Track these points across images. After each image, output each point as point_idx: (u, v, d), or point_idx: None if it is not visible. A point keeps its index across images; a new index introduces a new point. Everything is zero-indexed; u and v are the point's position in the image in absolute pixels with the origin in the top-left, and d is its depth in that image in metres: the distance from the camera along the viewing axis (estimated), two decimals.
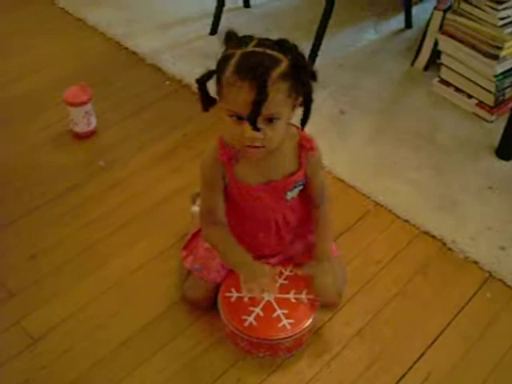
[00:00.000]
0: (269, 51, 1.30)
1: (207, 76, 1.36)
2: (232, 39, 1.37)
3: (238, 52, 1.30)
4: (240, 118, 1.33)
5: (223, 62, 1.32)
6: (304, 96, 1.36)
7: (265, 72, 1.26)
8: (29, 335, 1.59)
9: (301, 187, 1.53)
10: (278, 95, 1.30)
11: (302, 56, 1.33)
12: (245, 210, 1.55)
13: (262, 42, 1.33)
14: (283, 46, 1.32)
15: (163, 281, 1.72)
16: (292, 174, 1.49)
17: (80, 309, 1.65)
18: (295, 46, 1.33)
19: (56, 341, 1.58)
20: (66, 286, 1.70)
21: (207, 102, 1.39)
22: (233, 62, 1.30)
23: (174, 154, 2.13)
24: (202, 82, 1.37)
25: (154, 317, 1.63)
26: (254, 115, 1.28)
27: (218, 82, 1.34)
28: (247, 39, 1.33)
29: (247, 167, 1.47)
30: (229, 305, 1.55)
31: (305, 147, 1.49)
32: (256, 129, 1.30)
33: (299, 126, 1.42)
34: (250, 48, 1.31)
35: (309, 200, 1.60)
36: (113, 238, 1.83)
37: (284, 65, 1.30)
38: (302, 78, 1.32)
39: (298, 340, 1.53)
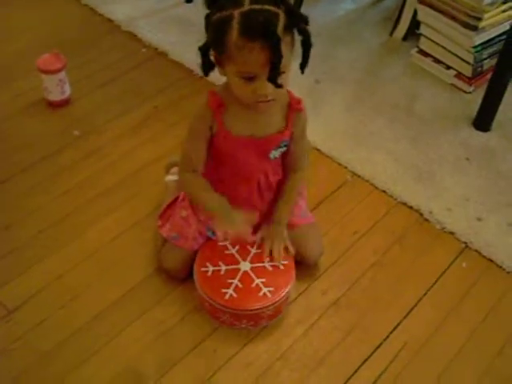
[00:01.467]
0: (266, 6, 1.29)
1: (209, 43, 1.35)
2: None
3: (236, 12, 1.28)
4: (251, 78, 1.33)
5: (222, 25, 1.30)
6: (303, 42, 1.36)
7: (274, 30, 1.27)
8: (4, 306, 1.57)
9: (284, 148, 1.53)
10: (286, 49, 1.31)
11: (293, 4, 1.35)
12: (229, 165, 1.54)
13: None
14: None
15: (140, 251, 1.71)
16: (278, 132, 1.50)
17: (55, 279, 1.63)
18: None
19: (31, 312, 1.56)
20: (41, 257, 1.68)
21: (208, 68, 1.39)
22: (234, 24, 1.28)
23: (148, 124, 2.11)
24: (204, 50, 1.36)
25: (131, 287, 1.62)
26: (274, 75, 1.29)
27: (221, 46, 1.32)
28: None
29: (236, 118, 1.47)
30: (206, 279, 1.54)
31: (293, 107, 1.50)
32: (278, 86, 1.32)
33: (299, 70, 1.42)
34: (246, 7, 1.29)
35: (286, 164, 1.60)
36: (88, 208, 1.82)
37: (282, 17, 1.30)
38: (298, 26, 1.34)
39: (278, 307, 1.54)
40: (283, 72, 1.32)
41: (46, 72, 2.08)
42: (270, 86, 1.33)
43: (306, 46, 1.37)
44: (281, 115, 1.50)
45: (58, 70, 2.08)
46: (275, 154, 1.53)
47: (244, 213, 1.51)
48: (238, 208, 1.53)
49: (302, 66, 1.41)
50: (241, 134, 1.48)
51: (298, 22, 1.33)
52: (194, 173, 1.54)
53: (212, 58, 1.37)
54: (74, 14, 2.61)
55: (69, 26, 2.54)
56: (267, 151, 1.51)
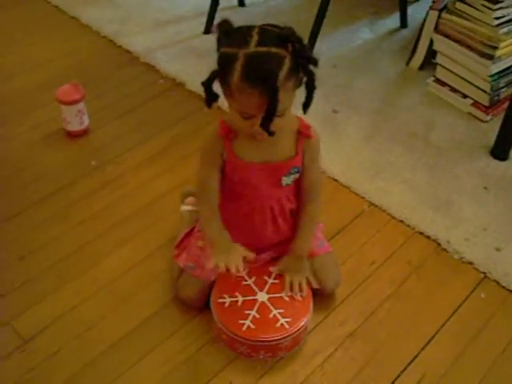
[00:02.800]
0: (273, 49, 1.29)
1: (212, 78, 1.36)
2: (229, 33, 1.35)
3: (241, 53, 1.29)
4: (249, 117, 1.34)
5: (227, 63, 1.31)
6: (307, 83, 1.36)
7: (274, 77, 1.27)
8: (19, 336, 1.57)
9: (296, 175, 1.52)
10: (286, 94, 1.31)
11: (303, 44, 1.32)
12: (241, 193, 1.54)
13: (263, 39, 1.30)
14: (284, 38, 1.30)
15: (155, 281, 1.70)
16: (288, 159, 1.50)
17: (70, 310, 1.63)
18: (295, 35, 1.32)
19: (46, 342, 1.56)
20: (56, 287, 1.68)
21: (211, 100, 1.40)
22: (238, 65, 1.29)
23: (165, 154, 2.12)
24: (208, 84, 1.37)
25: (146, 318, 1.62)
26: (267, 122, 1.30)
27: (225, 84, 1.34)
28: (247, 35, 1.31)
29: (246, 145, 1.47)
30: (223, 311, 1.53)
31: (303, 133, 1.49)
32: (270, 134, 1.33)
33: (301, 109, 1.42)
34: (252, 48, 1.29)
35: (301, 193, 1.59)
36: (104, 239, 1.82)
37: (288, 61, 1.30)
38: (304, 69, 1.33)
39: (296, 338, 1.52)
40: (282, 115, 1.34)
41: (65, 103, 2.10)
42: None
43: (310, 87, 1.37)
44: (291, 142, 1.49)
45: (77, 101, 2.11)
46: (287, 180, 1.52)
47: (242, 248, 1.51)
48: (257, 249, 1.56)
49: (305, 107, 1.41)
50: (250, 160, 1.48)
51: (303, 65, 1.32)
52: (209, 206, 1.55)
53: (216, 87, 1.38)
54: (93, 45, 2.65)
55: (88, 58, 2.58)
56: (278, 178, 1.51)
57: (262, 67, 1.28)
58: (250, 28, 1.33)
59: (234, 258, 1.47)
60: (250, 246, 1.55)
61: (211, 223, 1.54)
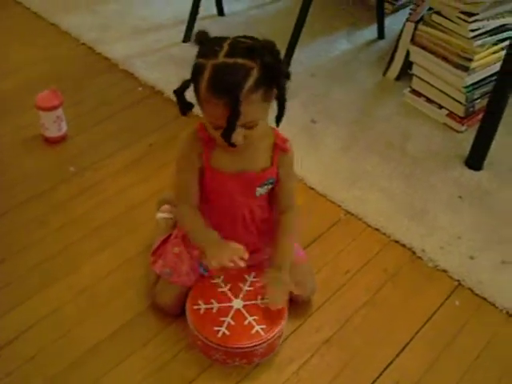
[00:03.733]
0: (240, 60, 1.30)
1: (184, 87, 1.38)
2: (203, 43, 1.37)
3: (209, 64, 1.30)
4: (218, 127, 1.35)
5: (196, 74, 1.33)
6: (278, 95, 1.37)
7: (236, 89, 1.28)
8: None
9: (270, 186, 1.54)
10: (253, 106, 1.32)
11: (276, 58, 1.33)
12: (214, 200, 1.55)
13: (233, 50, 1.32)
14: (253, 50, 1.31)
15: (132, 288, 1.70)
16: (263, 171, 1.51)
17: (49, 314, 1.63)
18: (267, 47, 1.33)
19: (22, 347, 1.55)
20: (34, 292, 1.68)
21: (185, 108, 1.41)
22: (205, 76, 1.31)
23: (143, 161, 2.12)
24: (179, 93, 1.39)
25: (122, 324, 1.62)
26: (228, 133, 1.31)
27: (195, 92, 1.36)
28: (217, 46, 1.33)
29: (222, 154, 1.48)
30: (198, 317, 1.54)
31: (279, 146, 1.50)
32: (232, 145, 1.35)
33: (274, 122, 1.44)
34: (220, 59, 1.31)
35: (275, 204, 1.60)
36: (82, 244, 1.82)
37: (255, 72, 1.31)
38: (274, 81, 1.34)
39: (271, 345, 1.53)
40: (255, 125, 1.35)
41: (44, 109, 2.10)
42: (238, 135, 1.34)
43: (281, 100, 1.38)
44: (266, 154, 1.51)
45: (56, 107, 2.10)
46: (261, 191, 1.53)
47: (234, 244, 1.49)
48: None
49: (278, 120, 1.42)
50: (226, 170, 1.49)
51: (272, 76, 1.33)
52: (189, 205, 1.55)
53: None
54: (73, 52, 2.64)
55: (66, 64, 2.57)
56: (252, 188, 1.52)
57: (226, 78, 1.29)
58: (223, 39, 1.35)
59: (227, 253, 1.45)
60: None
61: (199, 227, 1.53)
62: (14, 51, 2.62)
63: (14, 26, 2.78)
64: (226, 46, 1.32)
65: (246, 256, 1.46)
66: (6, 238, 1.83)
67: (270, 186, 1.54)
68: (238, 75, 1.29)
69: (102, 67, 2.56)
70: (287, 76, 1.36)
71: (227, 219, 1.57)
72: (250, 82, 1.30)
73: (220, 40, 1.35)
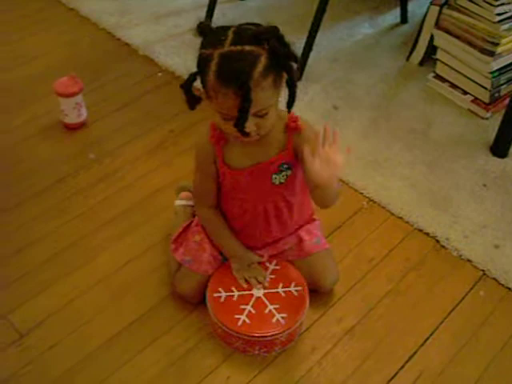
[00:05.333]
0: (247, 47, 1.27)
1: (191, 80, 1.35)
2: (206, 33, 1.33)
3: (216, 53, 1.27)
4: (229, 118, 1.32)
5: (203, 64, 1.30)
6: (288, 80, 1.34)
7: (246, 76, 1.25)
8: (16, 330, 1.56)
9: (288, 172, 1.50)
10: (264, 93, 1.29)
11: (281, 41, 1.30)
12: (233, 196, 1.54)
13: (238, 38, 1.29)
14: (259, 36, 1.28)
15: (152, 276, 1.70)
16: (277, 155, 1.48)
17: (67, 304, 1.63)
18: (272, 32, 1.29)
19: (43, 336, 1.55)
20: (53, 281, 1.68)
21: (193, 102, 1.38)
22: (212, 65, 1.28)
23: (163, 148, 2.11)
24: (187, 87, 1.36)
25: (143, 312, 1.61)
26: (241, 122, 1.28)
27: (203, 83, 1.33)
28: (222, 35, 1.29)
29: (236, 150, 1.47)
30: (219, 305, 1.53)
31: (290, 127, 1.47)
32: (245, 134, 1.32)
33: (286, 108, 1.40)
34: (226, 48, 1.28)
35: (308, 184, 1.50)
36: (101, 232, 1.81)
37: (263, 58, 1.28)
38: (282, 66, 1.31)
39: (291, 334, 1.52)
40: (266, 113, 1.33)
41: (63, 95, 2.09)
42: (250, 124, 1.32)
43: (291, 84, 1.34)
44: (279, 139, 1.47)
45: (75, 94, 2.09)
46: (279, 179, 1.50)
47: (253, 255, 1.59)
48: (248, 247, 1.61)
49: (289, 105, 1.39)
50: (240, 167, 1.48)
51: (280, 62, 1.30)
52: (211, 209, 1.57)
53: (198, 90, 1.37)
54: (93, 37, 2.63)
55: (86, 50, 2.56)
56: (268, 177, 1.49)
57: (235, 66, 1.26)
58: (226, 28, 1.32)
59: (248, 273, 1.57)
60: (242, 240, 1.61)
61: (224, 237, 1.59)
62: (33, 37, 2.62)
63: (33, 11, 2.77)
64: (230, 34, 1.29)
65: (264, 275, 1.59)
66: (24, 227, 1.82)
67: (288, 173, 1.50)
68: (246, 62, 1.26)
69: (122, 53, 2.55)
70: (295, 59, 1.33)
71: (248, 213, 1.56)
72: (260, 68, 1.27)
73: (223, 29, 1.31)
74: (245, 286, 1.56)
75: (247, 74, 1.25)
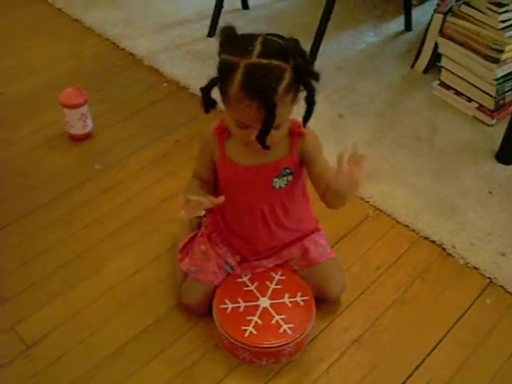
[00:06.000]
0: (274, 62, 1.27)
1: (212, 84, 1.34)
2: (232, 40, 1.33)
3: (242, 63, 1.27)
4: (245, 127, 1.33)
5: (227, 72, 1.30)
6: (306, 98, 1.34)
7: (273, 91, 1.25)
8: (22, 341, 1.56)
9: (289, 177, 1.50)
10: (284, 108, 1.30)
11: (305, 58, 1.31)
12: (232, 193, 1.52)
13: (266, 50, 1.28)
14: (286, 51, 1.29)
15: (158, 287, 1.70)
16: (280, 159, 1.48)
17: (74, 315, 1.63)
18: (297, 48, 1.31)
19: (49, 347, 1.55)
20: (60, 292, 1.68)
21: (209, 106, 1.38)
22: (238, 75, 1.27)
23: (169, 158, 2.11)
24: (206, 91, 1.35)
25: (149, 323, 1.61)
26: (263, 135, 1.29)
27: (223, 91, 1.33)
28: (249, 43, 1.29)
29: (238, 147, 1.47)
30: (225, 317, 1.53)
31: (295, 132, 1.47)
32: (266, 147, 1.32)
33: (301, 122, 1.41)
34: (254, 59, 1.27)
35: (316, 188, 1.52)
36: (107, 243, 1.81)
37: (288, 75, 1.28)
38: (304, 83, 1.32)
39: (298, 344, 1.52)
40: (279, 125, 1.33)
41: (69, 106, 2.09)
42: (269, 137, 1.32)
43: (310, 102, 1.34)
44: (284, 143, 1.47)
45: (81, 105, 2.10)
46: (280, 183, 1.50)
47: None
48: (254, 253, 1.61)
49: (305, 121, 1.39)
50: (241, 163, 1.48)
51: (303, 79, 1.31)
52: (198, 178, 1.57)
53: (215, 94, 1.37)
54: (97, 48, 2.64)
55: (91, 61, 2.57)
56: (270, 179, 1.49)
57: (262, 80, 1.26)
58: (253, 37, 1.32)
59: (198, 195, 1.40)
60: (246, 248, 1.60)
61: (191, 185, 1.54)
62: (38, 48, 2.62)
63: (38, 22, 2.78)
64: (258, 45, 1.29)
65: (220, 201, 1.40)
66: (31, 239, 1.82)
67: (289, 178, 1.50)
68: (273, 77, 1.26)
69: (127, 63, 2.55)
70: (316, 77, 1.33)
71: (246, 213, 1.55)
72: (284, 84, 1.27)
73: (250, 38, 1.31)
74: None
75: (273, 89, 1.26)
